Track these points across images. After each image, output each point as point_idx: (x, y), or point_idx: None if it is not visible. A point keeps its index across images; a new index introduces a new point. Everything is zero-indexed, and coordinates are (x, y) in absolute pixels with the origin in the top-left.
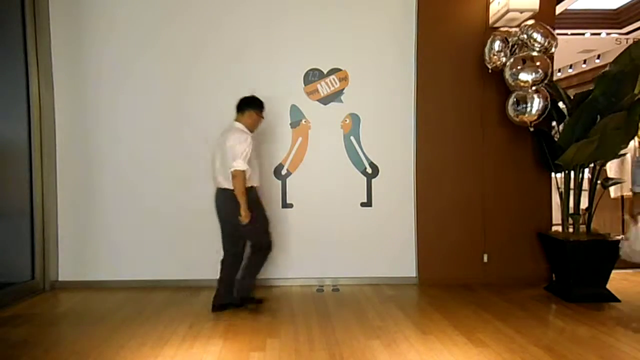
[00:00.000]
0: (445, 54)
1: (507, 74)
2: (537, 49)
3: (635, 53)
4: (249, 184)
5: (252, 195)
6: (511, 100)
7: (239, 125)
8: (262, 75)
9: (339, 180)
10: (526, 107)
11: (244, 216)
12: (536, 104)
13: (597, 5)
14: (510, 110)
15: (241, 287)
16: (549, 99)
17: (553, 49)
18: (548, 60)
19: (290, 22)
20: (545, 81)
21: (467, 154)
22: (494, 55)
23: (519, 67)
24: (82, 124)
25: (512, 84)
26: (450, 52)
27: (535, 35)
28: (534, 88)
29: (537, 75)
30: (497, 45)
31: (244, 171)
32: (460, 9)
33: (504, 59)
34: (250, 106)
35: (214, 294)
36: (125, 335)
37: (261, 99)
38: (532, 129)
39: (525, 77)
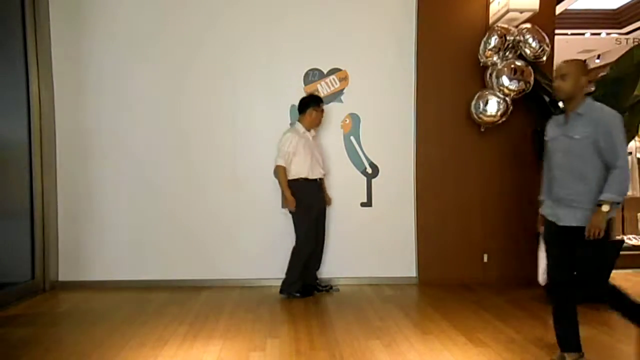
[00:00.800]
0: (445, 54)
1: (494, 76)
2: (529, 53)
3: (637, 55)
4: (300, 176)
5: (306, 187)
6: (475, 99)
7: (296, 125)
8: (262, 75)
9: (339, 180)
10: (486, 109)
11: (289, 203)
12: (494, 108)
13: (597, 5)
14: (473, 108)
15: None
16: (509, 107)
17: (544, 57)
18: (532, 71)
19: (290, 22)
20: (527, 91)
21: (467, 154)
22: (488, 50)
23: (508, 74)
24: (82, 124)
25: (495, 87)
26: (450, 52)
27: (530, 40)
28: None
29: (520, 84)
30: (493, 41)
31: (281, 166)
32: (460, 9)
33: (495, 57)
34: (308, 105)
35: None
36: (126, 336)
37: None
38: (482, 130)
39: (513, 86)
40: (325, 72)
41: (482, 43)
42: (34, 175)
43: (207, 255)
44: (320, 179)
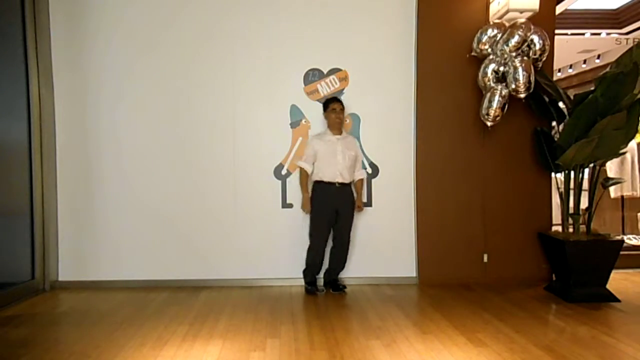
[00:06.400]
0: (446, 54)
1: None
2: (513, 85)
3: (636, 55)
4: (316, 178)
5: (319, 189)
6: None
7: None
8: (262, 75)
9: None
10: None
11: (304, 203)
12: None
13: (597, 5)
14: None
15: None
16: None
17: (523, 93)
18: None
19: (290, 22)
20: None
21: (467, 154)
22: (481, 44)
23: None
24: (82, 124)
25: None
26: (450, 52)
27: (519, 72)
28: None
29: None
30: (488, 33)
31: (300, 167)
32: (460, 9)
33: (502, 47)
34: (323, 110)
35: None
36: (126, 336)
37: (333, 97)
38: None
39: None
40: (325, 72)
41: (476, 40)
42: (34, 175)
43: (207, 255)
44: (340, 183)
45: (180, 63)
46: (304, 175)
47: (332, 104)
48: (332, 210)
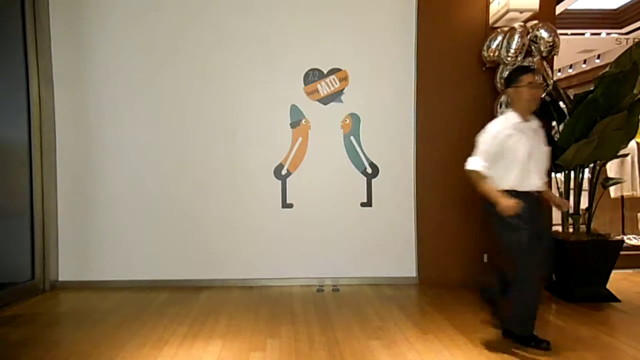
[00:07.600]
0: (446, 54)
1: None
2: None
3: (636, 54)
4: (505, 186)
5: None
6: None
7: (506, 112)
8: (263, 76)
9: (339, 180)
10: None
11: (504, 208)
12: None
13: (597, 5)
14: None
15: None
16: None
17: (542, 93)
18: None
19: (291, 22)
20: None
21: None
22: (491, 52)
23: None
24: (82, 124)
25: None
26: (450, 51)
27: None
28: None
29: None
30: (495, 43)
31: (474, 172)
32: (460, 9)
33: (504, 53)
34: (511, 81)
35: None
36: (126, 336)
37: (524, 65)
38: None
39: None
40: (325, 72)
41: (485, 48)
42: (34, 175)
43: (207, 255)
44: (540, 191)
45: (180, 62)
46: (480, 179)
47: (526, 76)
48: (533, 228)
